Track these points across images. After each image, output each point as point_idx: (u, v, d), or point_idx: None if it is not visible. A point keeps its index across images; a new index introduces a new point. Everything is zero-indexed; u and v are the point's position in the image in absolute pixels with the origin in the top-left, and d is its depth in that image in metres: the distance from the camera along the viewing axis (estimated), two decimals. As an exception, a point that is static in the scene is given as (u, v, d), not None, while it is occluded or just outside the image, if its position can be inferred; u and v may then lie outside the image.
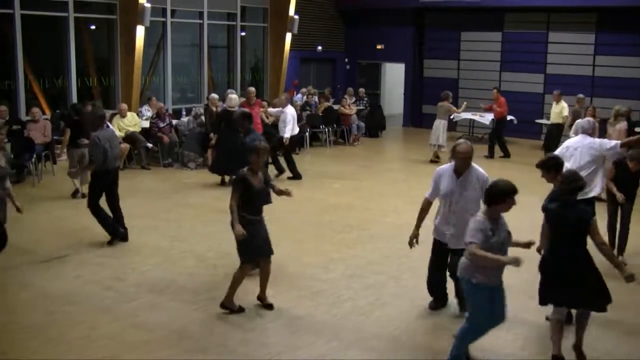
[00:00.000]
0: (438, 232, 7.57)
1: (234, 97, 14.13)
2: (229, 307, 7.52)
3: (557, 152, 8.69)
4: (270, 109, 16.51)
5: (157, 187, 14.13)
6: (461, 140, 7.20)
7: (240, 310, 7.53)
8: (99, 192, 9.87)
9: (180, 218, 11.61)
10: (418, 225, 7.62)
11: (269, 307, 7.68)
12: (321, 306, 7.84)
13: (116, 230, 9.91)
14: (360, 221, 11.68)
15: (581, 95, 17.37)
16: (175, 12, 19.86)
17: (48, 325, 7.16)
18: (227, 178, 13.97)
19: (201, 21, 20.56)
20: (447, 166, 7.39)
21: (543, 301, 6.51)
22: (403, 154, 20.85)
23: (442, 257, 7.54)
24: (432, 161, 17.14)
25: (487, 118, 19.75)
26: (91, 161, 9.97)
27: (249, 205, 7.30)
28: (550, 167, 7.01)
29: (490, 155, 18.26)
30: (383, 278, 8.85)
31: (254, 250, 7.41)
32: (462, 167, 7.16)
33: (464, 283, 6.07)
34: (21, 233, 10.30)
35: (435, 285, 7.74)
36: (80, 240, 9.98)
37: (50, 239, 10.23)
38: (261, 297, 7.74)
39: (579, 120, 9.53)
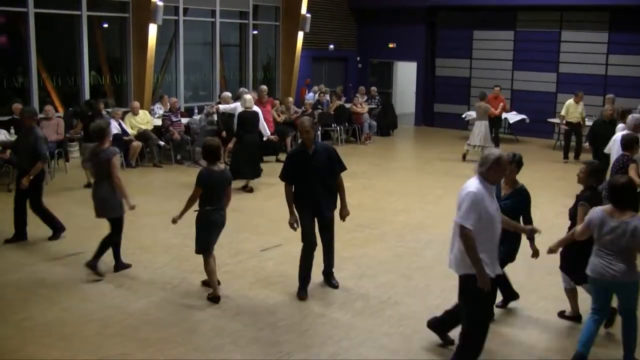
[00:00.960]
0: (490, 266, 5.84)
1: (248, 98, 13.99)
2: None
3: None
4: (222, 105, 15.64)
5: (169, 184, 14.17)
6: (497, 151, 6.02)
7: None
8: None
9: (192, 216, 11.59)
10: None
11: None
12: (332, 305, 7.85)
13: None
14: (371, 220, 11.68)
15: (611, 95, 17.06)
16: (188, 11, 19.90)
17: (62, 322, 7.22)
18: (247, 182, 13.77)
19: (213, 19, 20.60)
20: (478, 185, 5.77)
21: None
22: (415, 153, 20.82)
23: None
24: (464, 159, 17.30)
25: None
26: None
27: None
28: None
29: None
30: (394, 277, 8.85)
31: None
32: (498, 180, 6.39)
33: None
34: (35, 230, 10.39)
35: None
36: (92, 238, 10.00)
37: (64, 236, 10.28)
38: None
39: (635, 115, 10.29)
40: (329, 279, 8.45)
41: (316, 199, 8.00)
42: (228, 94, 16.22)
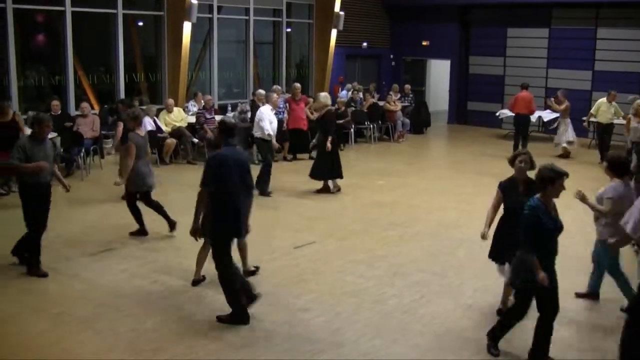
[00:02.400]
0: None
1: (324, 95, 13.69)
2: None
3: None
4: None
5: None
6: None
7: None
8: None
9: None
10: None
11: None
12: (365, 303, 7.85)
13: None
14: (405, 218, 11.66)
15: None
16: (222, 9, 20.00)
17: (98, 317, 7.31)
18: (331, 183, 13.49)
19: (247, 17, 20.68)
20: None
21: None
22: (448, 151, 20.72)
23: None
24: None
25: (535, 115, 19.49)
26: None
27: None
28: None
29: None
30: (427, 276, 8.82)
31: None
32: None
33: None
34: (71, 226, 10.56)
35: None
36: (126, 234, 10.12)
37: (98, 232, 10.41)
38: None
39: None
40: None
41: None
42: (262, 91, 16.28)
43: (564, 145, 17.74)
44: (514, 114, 18.44)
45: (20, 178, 8.63)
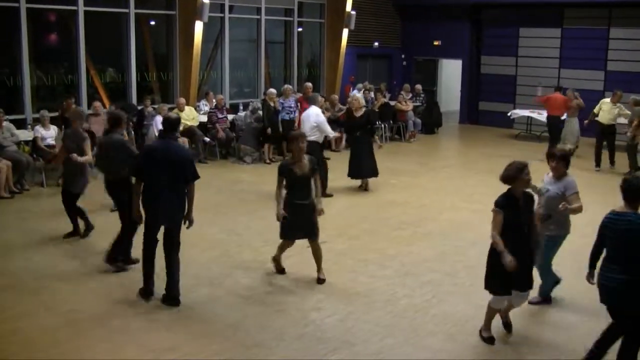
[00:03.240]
0: None
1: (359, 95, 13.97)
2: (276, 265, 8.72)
3: None
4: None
5: (214, 180, 14.27)
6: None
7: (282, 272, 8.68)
8: None
9: (237, 212, 11.74)
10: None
11: (319, 281, 8.42)
12: (376, 303, 7.85)
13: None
14: (416, 218, 11.66)
15: None
16: (233, 8, 20.02)
17: (111, 315, 7.35)
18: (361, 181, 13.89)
19: (259, 17, 20.70)
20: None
21: None
22: (460, 151, 20.68)
23: None
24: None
25: (545, 115, 19.37)
26: None
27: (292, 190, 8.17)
28: None
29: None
30: (439, 276, 8.81)
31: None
32: None
33: None
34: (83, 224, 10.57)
35: None
36: (139, 233, 10.12)
37: (112, 231, 10.41)
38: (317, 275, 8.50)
39: None
40: None
41: None
42: (273, 90, 16.31)
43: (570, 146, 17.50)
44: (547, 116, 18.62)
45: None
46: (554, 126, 18.13)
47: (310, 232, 8.29)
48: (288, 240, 8.48)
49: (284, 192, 8.21)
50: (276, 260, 8.72)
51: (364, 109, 13.58)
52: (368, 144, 13.49)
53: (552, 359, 6.60)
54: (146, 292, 7.83)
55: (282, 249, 8.62)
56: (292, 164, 8.11)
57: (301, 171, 8.08)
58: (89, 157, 9.99)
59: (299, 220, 8.16)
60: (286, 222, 8.19)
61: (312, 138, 11.80)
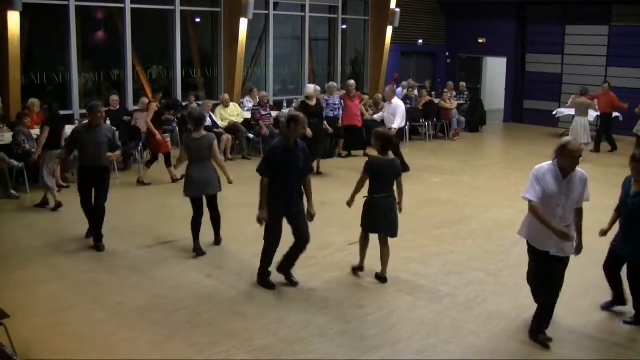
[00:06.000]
0: (537, 240, 6.67)
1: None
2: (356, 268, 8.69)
3: None
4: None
5: (257, 177, 14.26)
6: (569, 138, 6.47)
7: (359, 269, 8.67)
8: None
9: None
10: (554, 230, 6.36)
11: (381, 279, 8.40)
12: (420, 301, 7.82)
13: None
14: (459, 216, 11.58)
15: None
16: (278, 5, 20.10)
17: (154, 309, 7.42)
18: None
19: (303, 14, 20.76)
20: (548, 165, 6.46)
21: None
22: (504, 150, 20.50)
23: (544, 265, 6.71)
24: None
25: (592, 114, 19.07)
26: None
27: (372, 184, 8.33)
28: None
29: (596, 149, 18.12)
30: (482, 275, 8.74)
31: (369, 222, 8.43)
32: (572, 167, 6.36)
33: None
34: (128, 218, 10.75)
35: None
36: (181, 228, 10.21)
37: (154, 225, 10.57)
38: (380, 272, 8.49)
39: None
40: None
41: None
42: (316, 86, 16.31)
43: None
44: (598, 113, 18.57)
45: None
46: (604, 123, 18.18)
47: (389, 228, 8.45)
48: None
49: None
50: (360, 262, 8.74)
51: (316, 99, 14.55)
52: (322, 129, 14.47)
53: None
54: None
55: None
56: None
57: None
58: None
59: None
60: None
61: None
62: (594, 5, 21.79)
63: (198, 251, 9.22)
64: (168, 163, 13.38)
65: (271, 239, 8.02)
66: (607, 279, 7.53)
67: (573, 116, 17.91)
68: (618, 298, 7.55)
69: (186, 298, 7.75)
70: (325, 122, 14.80)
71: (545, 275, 6.58)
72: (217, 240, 9.75)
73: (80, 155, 9.55)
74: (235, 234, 10.09)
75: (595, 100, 18.33)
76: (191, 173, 9.21)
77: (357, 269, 8.64)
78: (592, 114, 18.64)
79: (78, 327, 6.94)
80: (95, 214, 9.40)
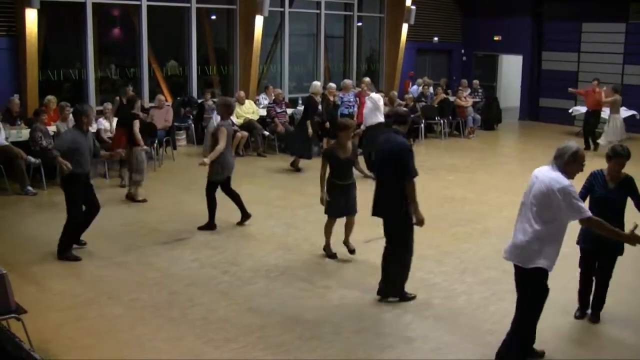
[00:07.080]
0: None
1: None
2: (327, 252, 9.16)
3: None
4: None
5: (273, 174, 14.36)
6: (575, 144, 6.22)
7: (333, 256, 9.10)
8: None
9: (295, 205, 11.77)
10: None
11: (351, 252, 9.12)
12: (435, 299, 7.81)
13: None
14: (475, 215, 11.56)
15: None
16: (293, 2, 20.11)
17: (170, 305, 7.46)
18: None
19: (318, 11, 20.75)
20: (556, 174, 6.20)
21: None
22: (519, 148, 20.43)
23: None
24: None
25: (606, 112, 18.87)
26: None
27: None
28: None
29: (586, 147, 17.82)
30: (497, 273, 8.70)
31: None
32: (578, 173, 6.26)
33: None
34: (143, 215, 10.78)
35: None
36: (198, 224, 10.26)
37: (170, 222, 10.60)
38: (345, 242, 9.15)
39: None
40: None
41: None
42: (333, 85, 16.31)
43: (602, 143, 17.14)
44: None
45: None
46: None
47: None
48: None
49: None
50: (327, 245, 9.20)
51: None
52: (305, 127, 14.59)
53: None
54: None
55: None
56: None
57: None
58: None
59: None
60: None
61: None
62: (610, 3, 21.64)
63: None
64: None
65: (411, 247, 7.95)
66: (580, 284, 7.46)
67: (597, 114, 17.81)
68: (586, 302, 7.49)
69: (202, 294, 7.79)
70: (309, 122, 14.65)
71: None
72: (247, 215, 10.35)
73: (80, 163, 8.67)
74: (252, 231, 10.13)
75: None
76: (228, 157, 10.04)
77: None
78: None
79: (95, 322, 6.99)
80: (92, 217, 9.20)
